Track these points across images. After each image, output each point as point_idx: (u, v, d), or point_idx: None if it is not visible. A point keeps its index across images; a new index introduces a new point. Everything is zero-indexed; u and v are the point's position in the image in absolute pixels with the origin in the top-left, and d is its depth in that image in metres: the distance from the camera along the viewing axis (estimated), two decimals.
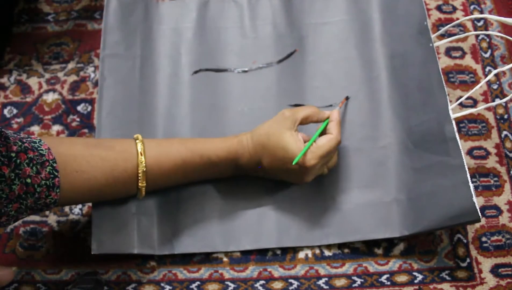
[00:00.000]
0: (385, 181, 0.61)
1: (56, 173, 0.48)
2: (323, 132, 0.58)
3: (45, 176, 0.47)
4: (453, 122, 0.57)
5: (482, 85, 0.67)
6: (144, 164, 0.53)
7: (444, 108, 0.58)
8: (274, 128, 0.56)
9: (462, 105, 0.66)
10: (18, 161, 0.45)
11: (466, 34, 0.65)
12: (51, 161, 0.48)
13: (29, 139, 0.48)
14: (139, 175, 0.53)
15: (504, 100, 0.60)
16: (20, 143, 0.46)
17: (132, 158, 0.53)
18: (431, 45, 0.61)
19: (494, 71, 0.61)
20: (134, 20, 0.67)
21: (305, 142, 0.56)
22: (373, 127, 0.63)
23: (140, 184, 0.53)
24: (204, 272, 0.59)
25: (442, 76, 0.59)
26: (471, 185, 0.54)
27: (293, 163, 0.53)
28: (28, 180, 0.46)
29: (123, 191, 0.55)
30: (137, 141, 0.54)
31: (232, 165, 0.57)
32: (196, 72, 0.66)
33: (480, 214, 0.53)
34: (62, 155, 0.49)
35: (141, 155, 0.53)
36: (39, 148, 0.47)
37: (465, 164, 0.55)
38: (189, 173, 0.56)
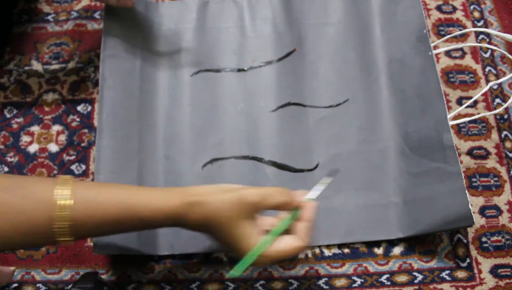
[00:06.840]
0: (382, 184, 0.61)
1: None
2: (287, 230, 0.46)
3: None
4: (451, 131, 0.58)
5: (482, 84, 0.68)
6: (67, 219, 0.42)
7: (443, 117, 0.59)
8: (229, 211, 0.43)
9: (462, 105, 0.66)
10: None
11: (467, 44, 0.65)
12: None
13: None
14: (59, 229, 0.42)
15: (506, 104, 0.61)
16: None
17: (51, 209, 0.42)
18: (430, 53, 0.62)
19: (498, 80, 0.62)
20: (134, 20, 0.67)
21: (267, 231, 0.45)
22: (370, 130, 0.64)
23: (62, 238, 0.43)
24: (204, 272, 0.59)
25: (440, 85, 0.60)
26: (467, 192, 0.55)
27: (229, 275, 0.44)
28: None
29: (43, 242, 0.46)
30: (60, 190, 0.42)
31: (172, 224, 0.46)
32: (195, 73, 0.67)
33: (474, 220, 0.54)
34: None
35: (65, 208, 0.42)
36: None
37: (461, 171, 0.56)
38: (124, 230, 0.47)
